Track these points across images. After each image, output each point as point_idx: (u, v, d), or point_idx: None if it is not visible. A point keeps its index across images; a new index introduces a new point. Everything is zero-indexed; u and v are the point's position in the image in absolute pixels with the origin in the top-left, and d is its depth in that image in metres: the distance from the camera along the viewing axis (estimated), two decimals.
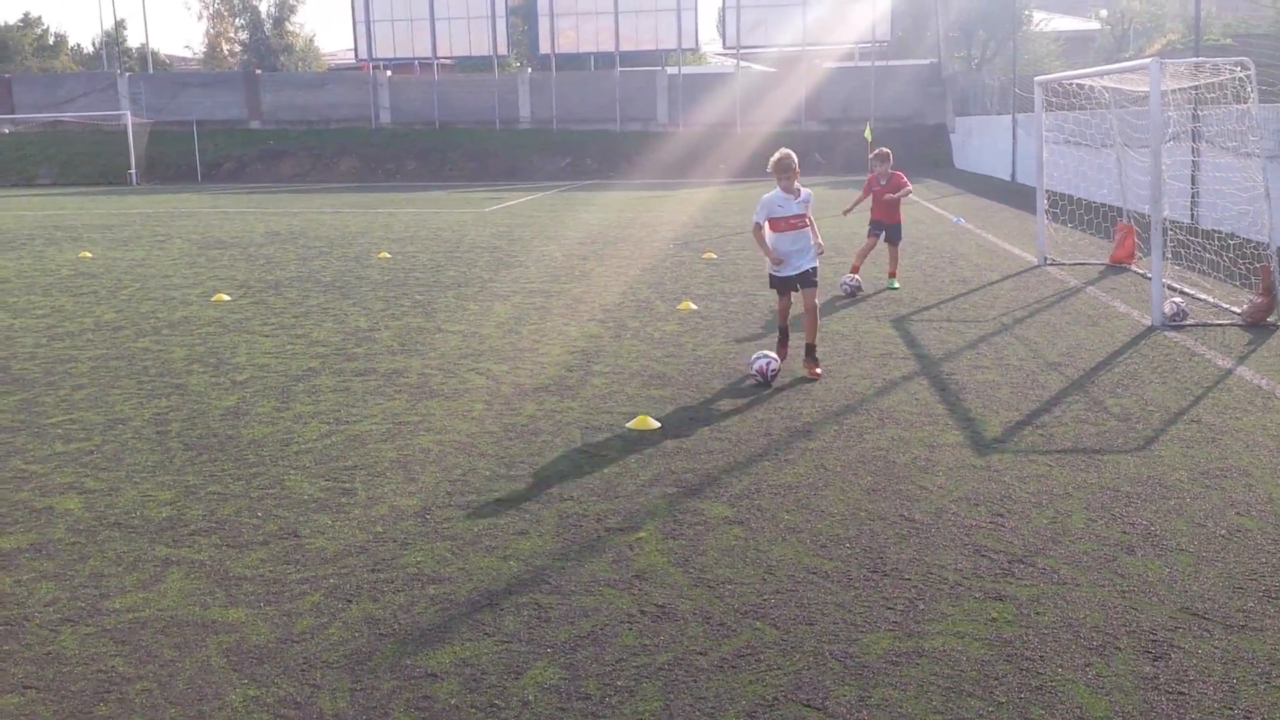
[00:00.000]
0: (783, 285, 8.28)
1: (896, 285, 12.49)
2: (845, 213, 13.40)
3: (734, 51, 52.00)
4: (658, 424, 6.83)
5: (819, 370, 8.05)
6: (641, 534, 5.01)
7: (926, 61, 50.61)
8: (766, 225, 8.08)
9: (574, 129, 49.60)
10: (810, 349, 8.12)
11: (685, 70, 51.72)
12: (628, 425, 6.83)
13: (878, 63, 48.92)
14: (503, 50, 53.07)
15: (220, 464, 6.16)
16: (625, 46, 50.73)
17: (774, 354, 8.00)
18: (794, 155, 8.10)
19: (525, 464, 6.11)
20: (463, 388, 7.98)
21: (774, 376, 7.80)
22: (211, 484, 5.81)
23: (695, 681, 3.67)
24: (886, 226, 12.62)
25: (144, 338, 10.11)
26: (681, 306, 11.46)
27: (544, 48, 51.93)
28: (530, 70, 54.36)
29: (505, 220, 24.29)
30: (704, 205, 28.47)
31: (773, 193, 8.09)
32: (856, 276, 12.16)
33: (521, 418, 7.10)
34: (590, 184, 41.57)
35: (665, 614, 4.19)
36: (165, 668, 3.80)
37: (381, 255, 16.91)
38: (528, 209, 28.34)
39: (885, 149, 12.86)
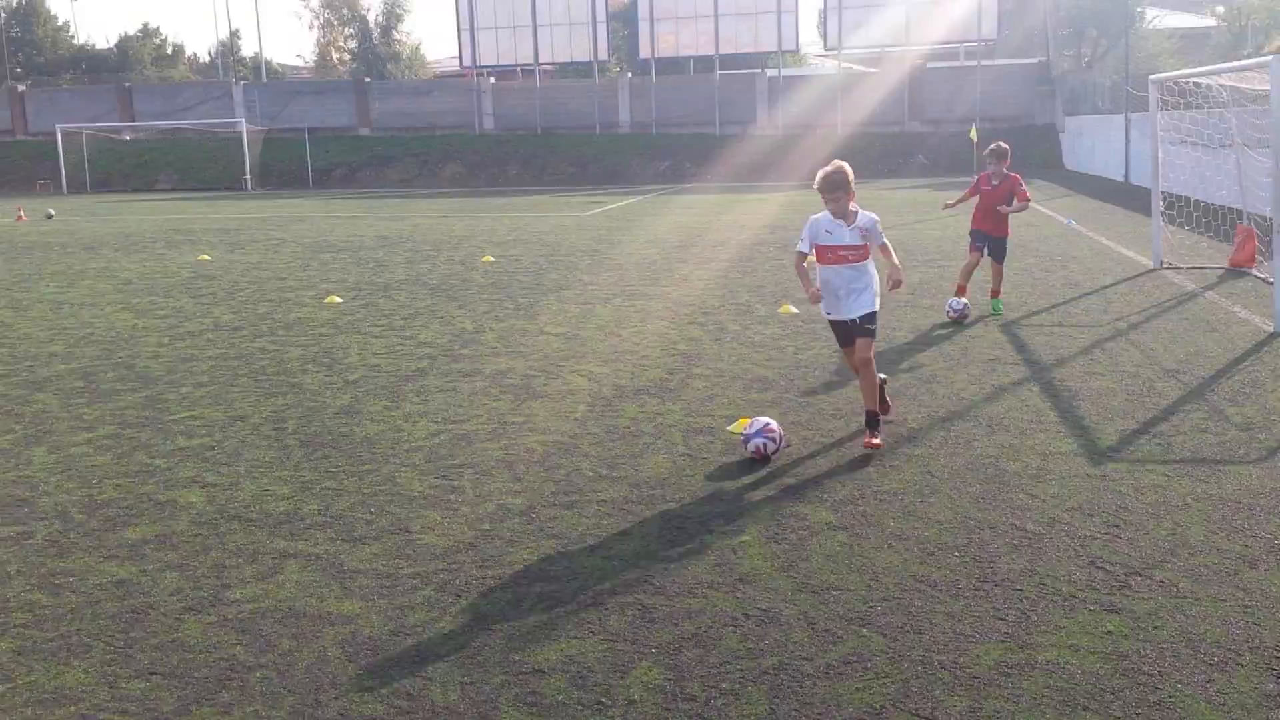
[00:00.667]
0: (837, 332, 6.63)
1: (1001, 309, 10.80)
2: (946, 207, 11.68)
3: (835, 52, 51.53)
4: None
5: (879, 441, 6.32)
6: (744, 538, 5.01)
7: (1034, 60, 49.45)
8: (812, 254, 6.50)
9: (673, 132, 49.71)
10: (870, 418, 6.42)
11: (785, 72, 51.42)
12: (729, 429, 6.82)
13: (983, 62, 47.96)
14: (603, 55, 53.44)
15: (334, 460, 6.34)
16: (725, 50, 50.64)
17: (776, 427, 6.24)
18: (847, 170, 6.30)
19: (627, 465, 6.15)
20: (565, 389, 8.07)
21: (776, 453, 6.19)
22: (326, 480, 5.99)
23: (801, 687, 3.66)
24: (991, 240, 10.75)
25: (261, 338, 10.46)
26: (782, 310, 11.40)
27: (644, 52, 52.15)
28: (630, 75, 54.66)
29: (605, 223, 24.46)
30: (803, 208, 28.27)
31: (820, 215, 6.45)
32: (964, 300, 10.61)
33: (623, 420, 7.15)
34: (689, 187, 41.61)
35: (769, 618, 4.18)
36: (284, 657, 3.93)
37: (485, 259, 17.18)
38: (627, 212, 28.50)
39: (1003, 143, 10.81)
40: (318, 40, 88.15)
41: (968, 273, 11.01)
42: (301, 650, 3.98)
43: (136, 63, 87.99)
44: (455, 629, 4.13)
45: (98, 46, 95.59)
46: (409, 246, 19.64)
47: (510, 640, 4.03)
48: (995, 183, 10.64)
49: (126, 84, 60.92)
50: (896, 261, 6.51)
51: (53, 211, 31.84)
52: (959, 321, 10.40)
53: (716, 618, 4.19)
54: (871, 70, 51.63)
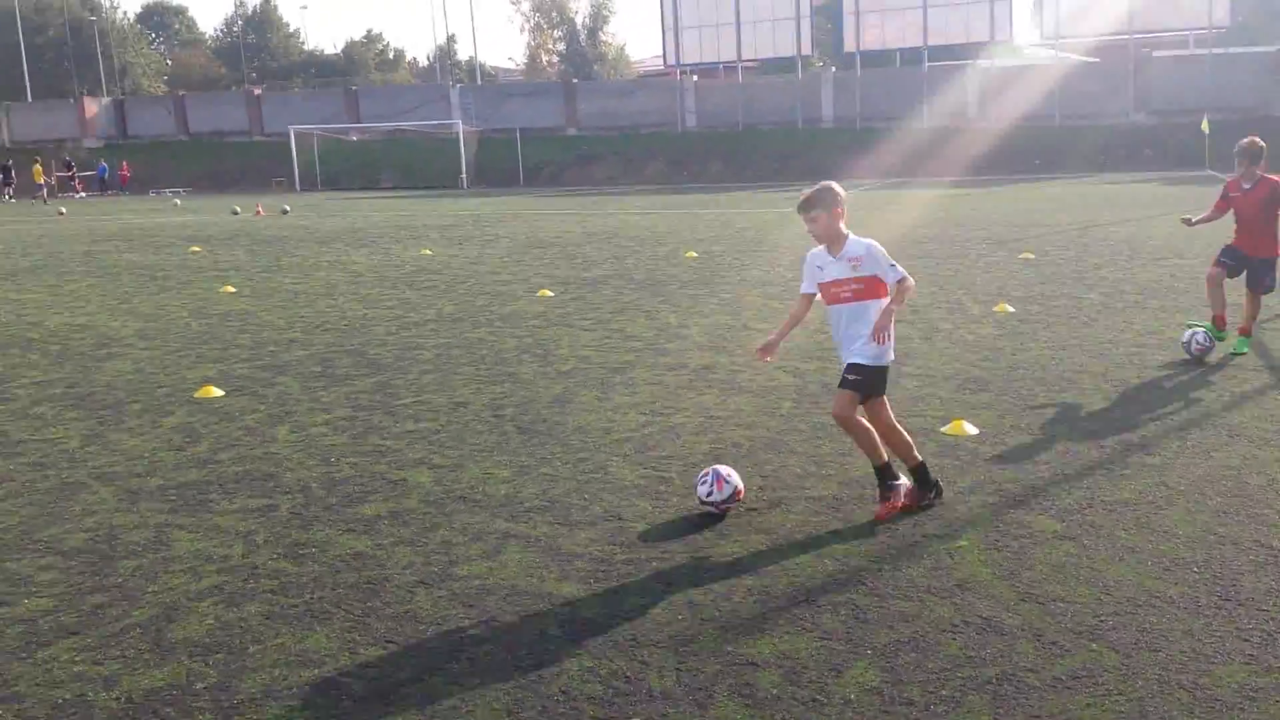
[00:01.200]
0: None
1: (1246, 349, 8.56)
2: (1191, 224, 9.23)
3: (1052, 41, 49.27)
4: (975, 430, 6.61)
5: (883, 509, 5.18)
6: (962, 543, 4.88)
7: (1273, 48, 45.84)
8: (818, 294, 5.54)
9: (878, 126, 48.73)
10: (914, 473, 5.32)
11: (998, 63, 49.55)
12: (942, 430, 6.65)
13: (1214, 50, 44.81)
14: (807, 50, 52.97)
15: (550, 448, 6.55)
16: (934, 41, 49.27)
17: (728, 476, 5.28)
18: (833, 189, 5.37)
19: (835, 464, 6.09)
20: (770, 385, 8.06)
21: (724, 508, 5.23)
22: (543, 466, 6.19)
23: (1026, 699, 3.54)
24: (1251, 263, 8.50)
25: (479, 329, 10.91)
26: (997, 309, 11.01)
27: (849, 45, 51.36)
28: (834, 69, 53.92)
29: None
30: (1019, 202, 27.21)
31: (818, 248, 5.53)
32: (1216, 333, 8.43)
33: (831, 417, 7.06)
34: (895, 182, 40.71)
35: (990, 627, 4.06)
36: (508, 633, 4.10)
37: (689, 254, 17.33)
38: None
39: (1257, 139, 8.51)
40: (528, 43, 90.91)
41: (1216, 295, 8.52)
42: (525, 628, 4.14)
43: (361, 67, 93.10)
44: (669, 617, 4.20)
45: (326, 52, 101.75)
46: (615, 242, 20.03)
47: (724, 631, 4.07)
48: (1247, 186, 8.52)
49: (353, 87, 64.62)
50: (895, 307, 5.22)
51: (288, 207, 34.13)
52: (1199, 359, 8.32)
53: (934, 623, 4.10)
54: (1092, 60, 49.11)
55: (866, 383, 5.23)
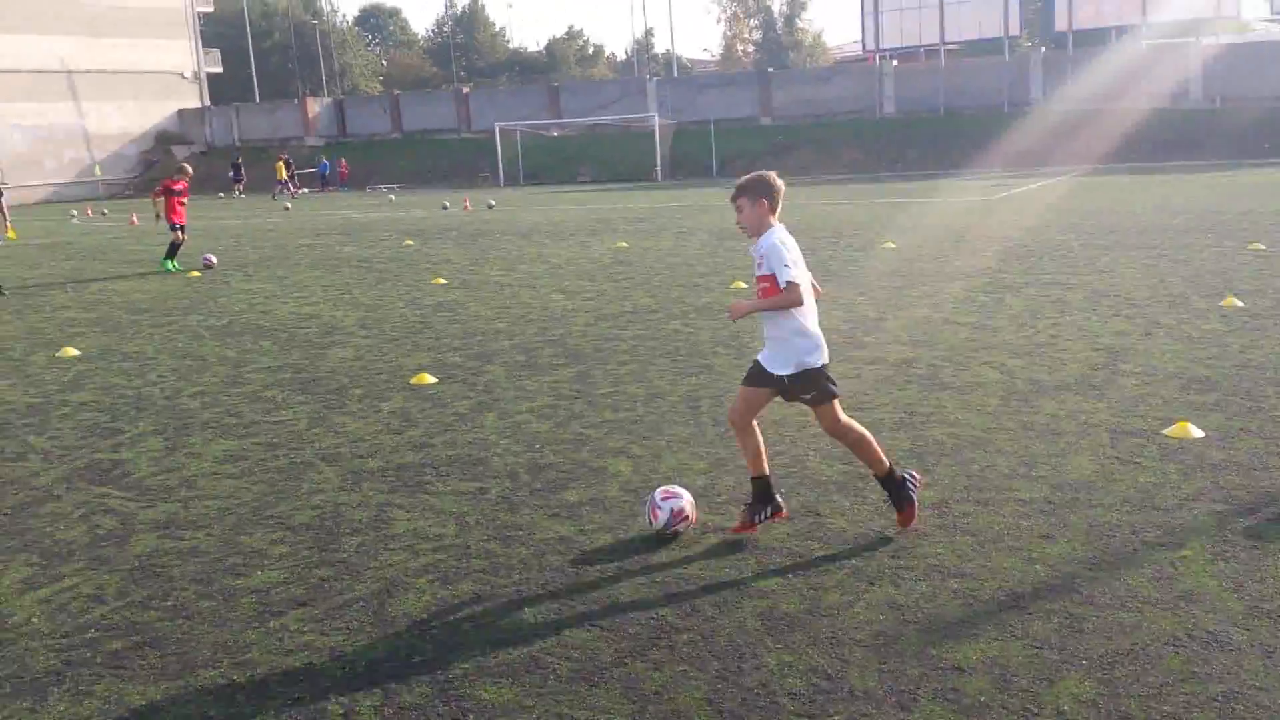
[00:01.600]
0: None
1: None
2: None
3: None
4: (1200, 433, 6.22)
5: (906, 514, 4.99)
6: (1186, 552, 4.61)
7: None
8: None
9: (1091, 110, 46.29)
10: (887, 485, 5.05)
11: (1223, 39, 46.24)
12: (1164, 432, 6.29)
13: None
14: (1014, 30, 50.87)
15: None
16: (1154, 17, 46.41)
17: (660, 502, 5.04)
18: (764, 178, 5.11)
19: (1047, 464, 5.86)
20: (975, 381, 7.81)
21: (672, 531, 4.99)
22: (738, 458, 6.19)
23: (1254, 719, 3.32)
24: None
25: (674, 320, 11.03)
26: (1225, 303, 10.31)
27: (1060, 25, 49.02)
28: (1044, 49, 51.56)
29: (1014, 208, 23.32)
30: (1247, 189, 25.35)
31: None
32: None
33: (1041, 416, 6.81)
34: (1110, 167, 38.63)
35: (1216, 641, 3.83)
36: (707, 623, 4.15)
37: (887, 245, 16.98)
38: (1039, 195, 26.98)
39: None
40: (724, 33, 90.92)
41: None
42: (723, 618, 4.18)
43: (562, 63, 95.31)
44: (869, 615, 4.15)
45: (529, 49, 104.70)
46: (809, 233, 19.82)
47: (928, 633, 3.99)
48: None
49: (554, 83, 66.27)
50: (761, 302, 4.92)
51: (493, 202, 35.35)
52: None
53: (1155, 635, 3.89)
54: None
55: (816, 386, 5.01)
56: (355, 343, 10.58)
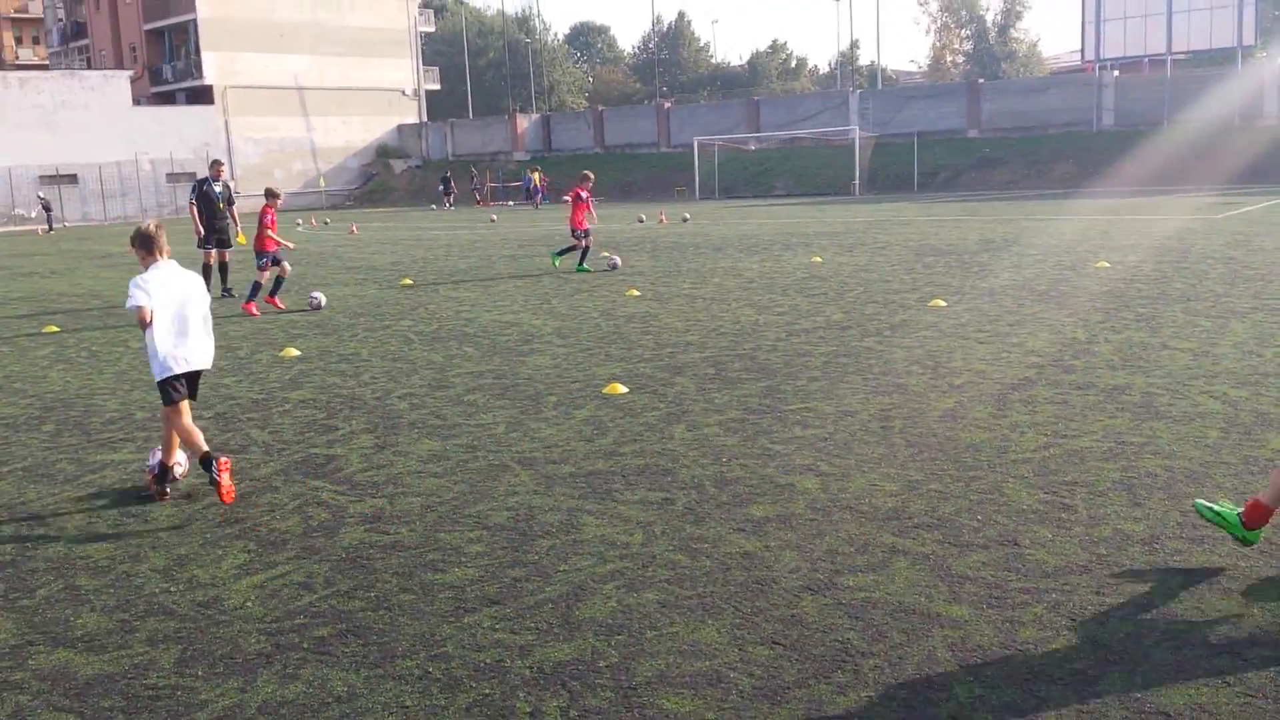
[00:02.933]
0: None
1: None
2: None
3: None
4: None
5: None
6: None
7: None
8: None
9: None
10: (203, 464, 6.25)
11: None
12: None
13: None
14: (1249, 39, 47.56)
15: (939, 463, 6.38)
16: None
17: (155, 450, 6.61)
18: (138, 231, 6.36)
19: None
20: (1194, 411, 7.34)
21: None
22: (932, 481, 6.05)
23: None
24: None
25: (868, 338, 10.83)
26: None
27: None
28: None
29: (1242, 228, 21.78)
30: None
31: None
32: None
33: (1266, 451, 6.33)
34: None
35: None
36: (894, 650, 4.05)
37: (1099, 264, 16.17)
38: (1271, 215, 25.11)
39: None
40: (933, 44, 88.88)
41: None
42: (911, 646, 4.07)
43: (764, 77, 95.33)
44: (1069, 653, 3.96)
45: (732, 64, 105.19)
46: (1014, 250, 19.10)
47: (1131, 675, 3.77)
48: None
49: (755, 97, 66.32)
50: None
51: (688, 215, 35.68)
52: None
53: None
54: None
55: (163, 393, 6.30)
56: (552, 351, 10.89)
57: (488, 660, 4.09)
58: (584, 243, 18.84)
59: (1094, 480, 5.95)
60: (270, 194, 15.37)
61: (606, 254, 20.01)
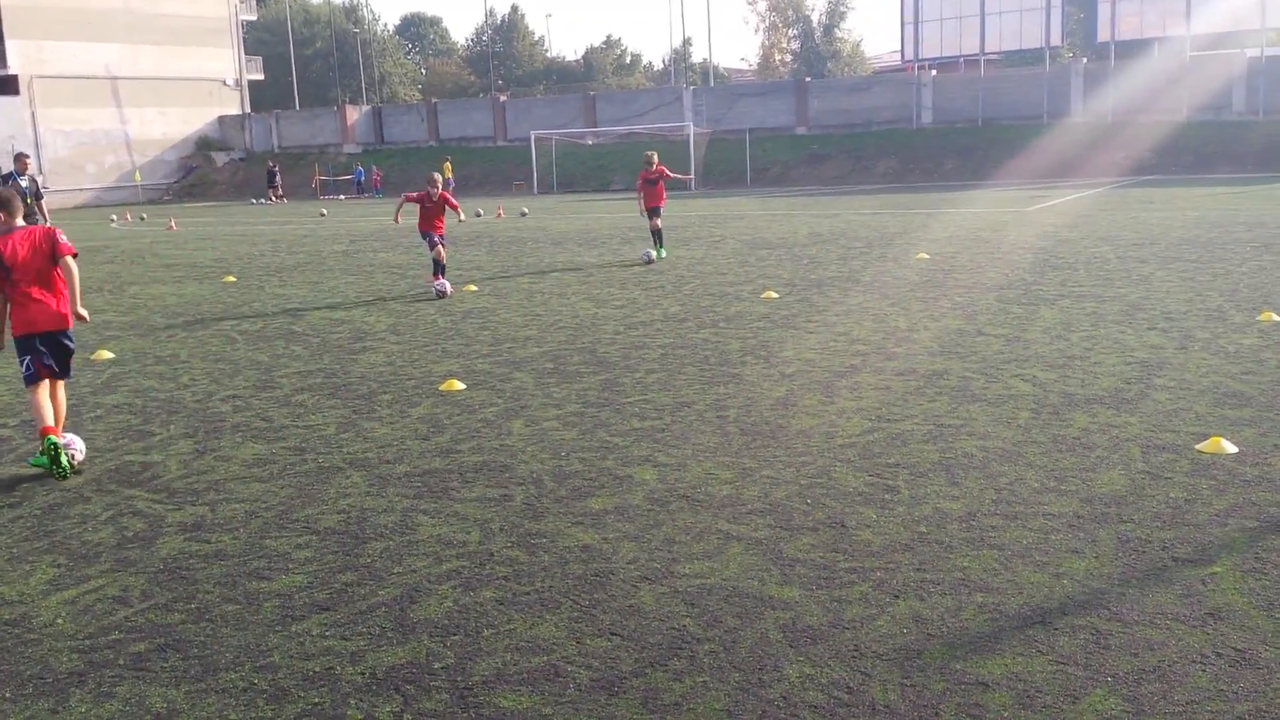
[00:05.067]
0: None
1: None
2: None
3: None
4: (1234, 448, 6.12)
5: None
6: (1216, 569, 4.53)
7: None
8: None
9: (1132, 121, 45.84)
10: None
11: (1269, 52, 45.64)
12: (1197, 447, 6.20)
13: None
14: (1056, 41, 50.49)
15: (771, 450, 6.54)
16: (1199, 29, 45.92)
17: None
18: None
19: (1077, 479, 5.78)
20: (1006, 394, 7.74)
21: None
22: (764, 468, 6.19)
23: None
24: None
25: (704, 329, 11.00)
26: (1262, 317, 10.16)
27: (1103, 35, 48.62)
28: (1085, 60, 51.12)
29: (1050, 220, 23.11)
30: None
31: None
32: None
33: (1073, 430, 6.73)
34: (1152, 179, 38.23)
35: (1245, 660, 3.76)
36: (729, 634, 4.12)
37: (920, 256, 16.87)
38: (1076, 208, 26.73)
39: None
40: (762, 43, 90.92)
41: None
42: (745, 630, 4.15)
43: (599, 72, 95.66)
44: (893, 629, 4.11)
45: (567, 59, 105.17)
46: (841, 243, 19.75)
47: (951, 648, 3.94)
48: None
49: (591, 92, 66.45)
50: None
51: (526, 210, 35.49)
52: None
53: (1182, 653, 3.83)
54: None
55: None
56: (386, 348, 10.65)
57: (317, 669, 3.96)
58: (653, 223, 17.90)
59: (915, 462, 6.20)
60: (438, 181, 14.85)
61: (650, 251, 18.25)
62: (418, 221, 14.88)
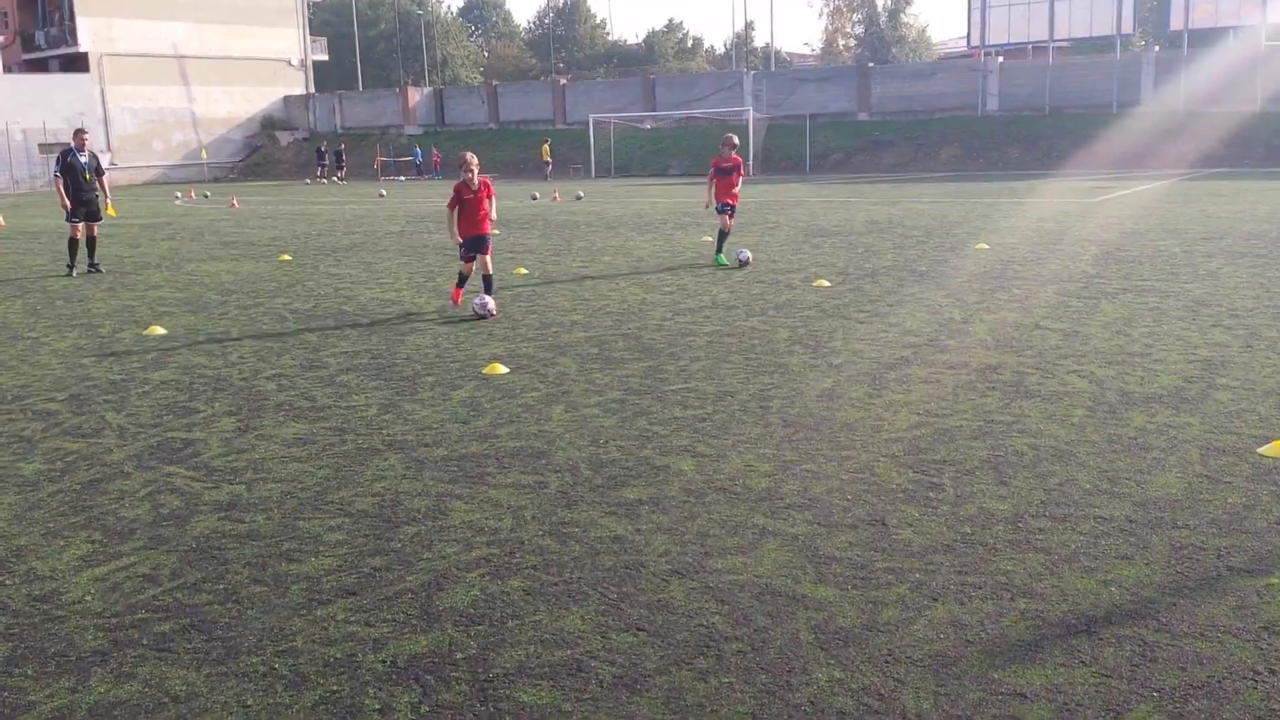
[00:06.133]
0: None
1: None
2: None
3: None
4: None
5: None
6: (1273, 579, 4.32)
7: None
8: None
9: (1205, 111, 44.59)
10: None
11: None
12: (1259, 451, 5.94)
13: None
14: (1128, 28, 49.25)
15: (814, 443, 6.39)
16: (1276, 18, 44.48)
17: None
18: None
19: (1131, 480, 5.57)
20: (1062, 390, 7.50)
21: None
22: (806, 461, 6.04)
23: None
24: None
25: (753, 317, 10.85)
26: None
27: (1175, 23, 47.32)
28: (1157, 48, 49.82)
29: (1115, 212, 22.53)
30: None
31: None
32: None
33: (1129, 429, 6.49)
34: (1221, 171, 37.17)
35: None
36: (759, 634, 4.00)
37: (979, 246, 16.53)
38: (1143, 199, 26.06)
39: None
40: (826, 27, 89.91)
41: None
42: (775, 629, 4.03)
43: (660, 56, 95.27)
44: (929, 634, 3.96)
45: (628, 42, 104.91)
46: (899, 232, 19.42)
47: (989, 656, 3.79)
48: None
49: (651, 76, 66.20)
50: None
51: (582, 193, 35.46)
52: None
53: (1233, 668, 3.64)
54: None
55: None
56: (433, 330, 10.63)
57: (338, 655, 3.91)
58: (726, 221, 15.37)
59: (962, 459, 6.02)
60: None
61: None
62: (457, 225, 11.42)
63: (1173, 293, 11.51)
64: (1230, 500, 5.23)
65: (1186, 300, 11.01)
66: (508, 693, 3.63)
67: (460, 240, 11.48)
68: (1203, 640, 3.85)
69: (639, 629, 4.07)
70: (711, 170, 15.35)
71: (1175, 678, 3.60)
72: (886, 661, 3.77)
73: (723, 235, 15.43)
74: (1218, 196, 26.03)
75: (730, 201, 15.21)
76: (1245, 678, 3.58)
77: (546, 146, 52.37)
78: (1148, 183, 32.77)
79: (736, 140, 15.45)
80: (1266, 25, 44.66)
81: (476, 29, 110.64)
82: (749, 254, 15.42)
